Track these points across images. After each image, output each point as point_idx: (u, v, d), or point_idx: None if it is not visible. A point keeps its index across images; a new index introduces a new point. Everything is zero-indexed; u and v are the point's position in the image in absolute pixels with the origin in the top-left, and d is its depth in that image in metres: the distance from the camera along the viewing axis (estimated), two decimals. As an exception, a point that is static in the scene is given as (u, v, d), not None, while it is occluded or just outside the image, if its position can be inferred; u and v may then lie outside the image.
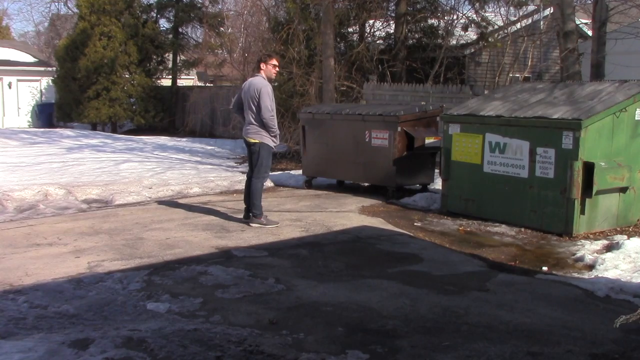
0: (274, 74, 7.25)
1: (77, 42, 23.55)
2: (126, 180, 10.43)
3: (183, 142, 18.94)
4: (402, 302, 4.60)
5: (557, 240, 6.56)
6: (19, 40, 38.03)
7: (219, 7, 24.69)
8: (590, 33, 14.76)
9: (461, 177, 7.75)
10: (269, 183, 10.36)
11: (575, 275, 5.44)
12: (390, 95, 13.43)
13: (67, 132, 20.74)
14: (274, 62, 7.18)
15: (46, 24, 36.61)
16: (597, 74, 11.17)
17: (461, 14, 15.68)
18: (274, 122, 7.02)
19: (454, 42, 15.61)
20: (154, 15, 25.51)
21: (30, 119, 27.15)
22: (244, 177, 9.10)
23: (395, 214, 8.00)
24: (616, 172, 6.68)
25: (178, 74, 26.13)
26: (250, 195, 7.18)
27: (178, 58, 25.51)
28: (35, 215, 7.75)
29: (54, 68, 25.39)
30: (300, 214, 7.89)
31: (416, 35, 16.31)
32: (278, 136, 7.20)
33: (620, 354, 3.78)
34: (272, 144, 7.14)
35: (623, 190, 6.92)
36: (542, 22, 15.71)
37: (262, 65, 7.12)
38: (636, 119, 6.94)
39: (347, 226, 7.18)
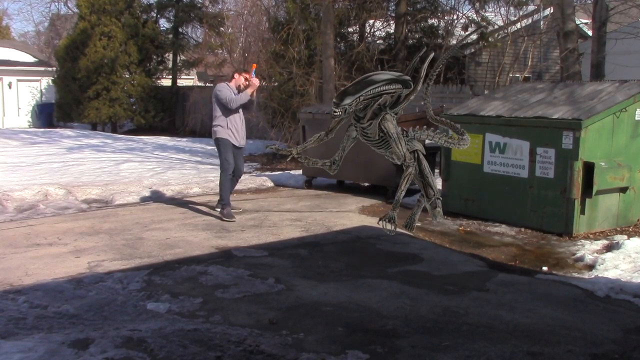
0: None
1: (77, 42, 23.52)
2: (126, 180, 10.42)
3: (183, 142, 18.93)
4: (402, 302, 4.60)
5: (557, 240, 6.56)
6: (19, 40, 37.96)
7: (219, 7, 24.67)
8: (590, 33, 14.75)
9: (461, 177, 7.75)
10: (269, 183, 10.37)
11: (575, 275, 5.44)
12: (391, 95, 13.40)
13: (67, 132, 20.73)
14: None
15: (46, 24, 36.64)
16: (597, 74, 11.16)
17: (461, 14, 15.68)
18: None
19: (454, 42, 15.60)
20: (154, 15, 25.49)
21: (30, 119, 27.11)
22: (243, 177, 9.10)
23: (395, 214, 7.99)
24: (616, 172, 6.68)
25: (178, 74, 26.11)
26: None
27: (178, 58, 25.48)
28: (35, 215, 7.75)
29: (54, 68, 25.35)
30: (300, 214, 7.89)
31: (416, 35, 16.31)
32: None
33: (620, 354, 3.78)
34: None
35: (623, 190, 6.92)
36: (542, 22, 15.71)
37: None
38: (636, 119, 6.93)
39: (347, 226, 7.18)
